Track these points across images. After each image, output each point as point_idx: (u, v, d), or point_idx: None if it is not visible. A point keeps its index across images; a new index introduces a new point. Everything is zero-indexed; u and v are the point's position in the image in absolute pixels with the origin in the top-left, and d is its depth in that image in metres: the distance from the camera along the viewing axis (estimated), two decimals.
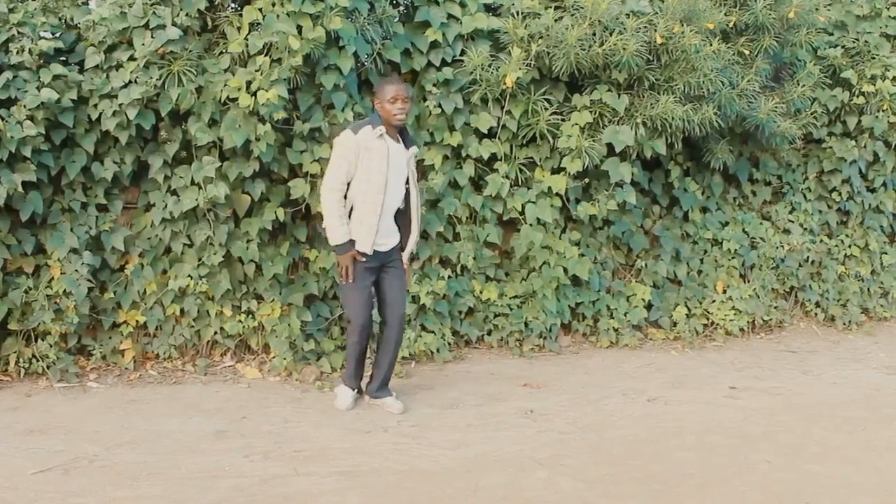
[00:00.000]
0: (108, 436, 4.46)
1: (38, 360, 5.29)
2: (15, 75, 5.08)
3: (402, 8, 6.09)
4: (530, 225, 6.19)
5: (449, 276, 6.13)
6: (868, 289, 7.81)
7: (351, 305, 4.87)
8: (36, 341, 5.34)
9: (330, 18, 5.29)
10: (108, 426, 4.61)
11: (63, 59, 5.36)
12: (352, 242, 4.72)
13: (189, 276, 5.55)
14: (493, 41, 6.11)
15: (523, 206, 6.23)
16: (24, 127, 5.00)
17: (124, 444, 4.36)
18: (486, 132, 6.19)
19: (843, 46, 7.34)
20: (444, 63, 6.04)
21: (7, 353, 5.31)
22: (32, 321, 5.27)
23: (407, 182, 4.91)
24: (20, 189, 5.11)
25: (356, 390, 5.06)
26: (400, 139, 4.87)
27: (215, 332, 5.69)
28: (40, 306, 5.25)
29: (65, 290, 5.24)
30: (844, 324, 7.51)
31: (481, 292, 6.27)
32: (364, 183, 4.70)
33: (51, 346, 5.29)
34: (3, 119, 4.99)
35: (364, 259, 4.75)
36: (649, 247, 6.97)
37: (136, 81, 5.23)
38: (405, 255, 5.02)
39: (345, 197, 4.74)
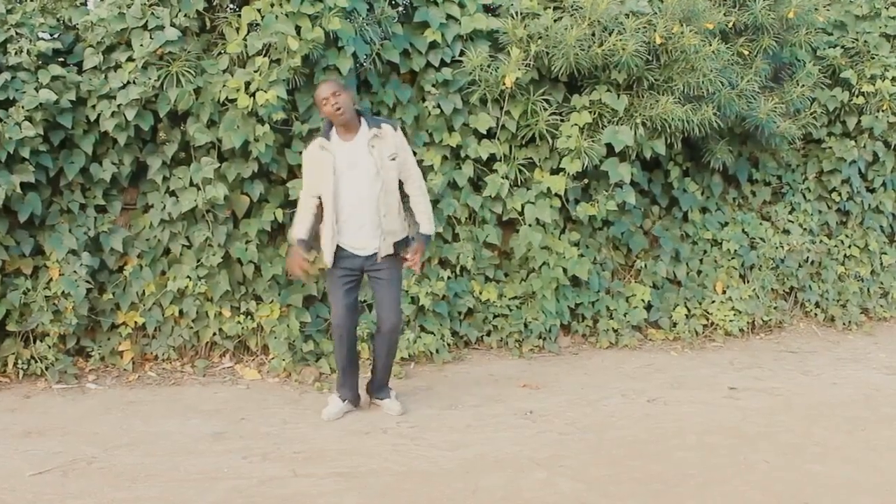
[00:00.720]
0: (107, 437, 4.46)
1: (36, 362, 5.28)
2: (13, 76, 5.08)
3: (400, 8, 6.08)
4: (529, 225, 6.19)
5: (448, 277, 6.12)
6: (868, 289, 7.80)
7: (332, 309, 4.80)
8: (34, 342, 5.33)
9: (329, 19, 5.29)
10: (106, 428, 4.61)
11: (61, 59, 5.37)
12: (301, 242, 4.69)
13: (188, 277, 5.55)
14: (492, 42, 6.10)
15: (522, 207, 6.22)
16: (22, 128, 4.99)
17: (123, 445, 4.35)
18: (485, 133, 6.19)
19: (842, 46, 7.33)
20: (443, 63, 6.03)
21: (5, 355, 5.31)
22: (31, 322, 5.27)
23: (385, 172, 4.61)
24: (18, 190, 5.10)
25: (346, 400, 4.91)
26: (363, 129, 4.61)
27: (214, 334, 5.69)
28: (39, 307, 5.25)
29: (63, 292, 5.24)
30: (844, 324, 7.50)
31: (481, 293, 6.26)
32: (322, 196, 4.64)
33: (49, 347, 5.28)
34: (1, 120, 4.98)
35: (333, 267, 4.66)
36: (649, 247, 6.96)
37: (134, 82, 5.23)
38: (381, 252, 4.65)
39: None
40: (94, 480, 3.91)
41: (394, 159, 4.62)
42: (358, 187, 4.57)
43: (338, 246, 4.63)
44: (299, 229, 4.74)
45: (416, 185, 4.76)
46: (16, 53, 5.07)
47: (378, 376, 4.95)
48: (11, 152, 5.02)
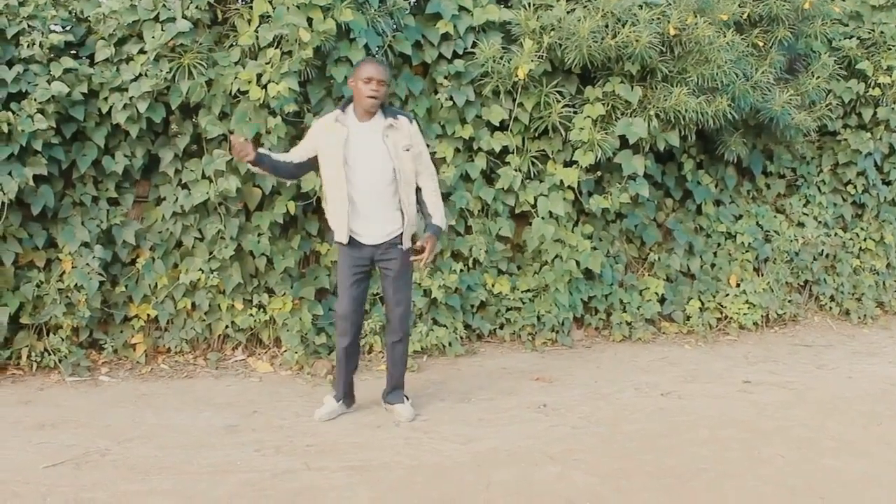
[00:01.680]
0: (120, 430, 4.46)
1: (49, 354, 5.30)
2: (26, 69, 5.09)
3: (412, 0, 6.06)
4: (542, 218, 6.16)
5: (461, 270, 6.10)
6: (883, 282, 7.75)
7: (338, 299, 4.67)
8: (48, 335, 5.35)
9: (340, 10, 5.28)
10: (119, 420, 4.61)
11: (73, 52, 5.37)
12: (261, 154, 4.38)
13: (200, 269, 5.55)
14: (505, 33, 6.08)
15: (535, 200, 6.20)
16: (34, 120, 5.00)
17: (136, 438, 4.36)
18: (497, 125, 6.16)
19: (858, 37, 7.27)
20: (455, 55, 6.01)
21: (19, 347, 5.32)
22: (44, 315, 5.28)
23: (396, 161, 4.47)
24: (31, 183, 5.11)
25: (341, 401, 4.78)
26: (378, 117, 4.48)
27: (226, 326, 5.69)
28: (52, 300, 5.26)
29: (76, 284, 5.25)
30: (859, 318, 7.45)
31: (493, 286, 6.24)
32: (326, 173, 4.48)
33: (62, 339, 5.30)
34: (14, 113, 4.99)
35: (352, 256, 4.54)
36: (662, 240, 6.93)
37: (146, 74, 5.23)
38: (404, 244, 4.57)
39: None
40: (107, 473, 3.91)
41: (408, 150, 4.50)
42: (370, 172, 4.44)
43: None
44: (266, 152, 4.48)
45: (429, 177, 4.63)
46: (28, 46, 5.08)
47: (391, 376, 4.78)
48: (24, 145, 5.03)
